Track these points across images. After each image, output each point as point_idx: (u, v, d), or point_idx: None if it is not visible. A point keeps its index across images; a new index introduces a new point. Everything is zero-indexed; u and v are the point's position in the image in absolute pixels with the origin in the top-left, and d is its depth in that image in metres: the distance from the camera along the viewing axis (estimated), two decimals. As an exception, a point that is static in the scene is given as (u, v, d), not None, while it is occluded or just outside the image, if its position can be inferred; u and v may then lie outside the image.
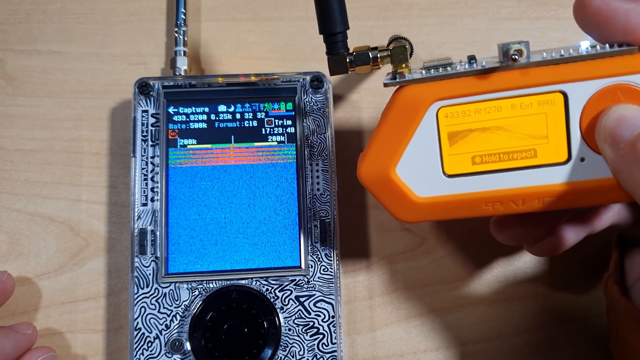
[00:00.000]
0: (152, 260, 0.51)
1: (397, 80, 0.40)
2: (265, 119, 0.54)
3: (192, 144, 0.53)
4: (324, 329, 0.51)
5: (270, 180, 0.53)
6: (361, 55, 0.44)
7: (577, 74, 0.38)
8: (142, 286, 0.51)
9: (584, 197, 0.40)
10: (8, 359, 0.48)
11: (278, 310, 0.51)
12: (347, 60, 0.44)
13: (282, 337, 0.51)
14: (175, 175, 0.52)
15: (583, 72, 0.38)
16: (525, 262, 0.56)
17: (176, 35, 0.56)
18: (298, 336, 0.51)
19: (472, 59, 0.40)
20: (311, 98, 0.54)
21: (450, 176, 0.41)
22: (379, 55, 0.44)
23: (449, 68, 0.40)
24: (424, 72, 0.40)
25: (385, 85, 0.41)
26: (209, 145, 0.53)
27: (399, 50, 0.43)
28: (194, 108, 0.53)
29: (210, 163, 0.53)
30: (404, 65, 0.43)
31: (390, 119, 0.40)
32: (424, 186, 0.41)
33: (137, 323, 0.50)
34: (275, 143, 0.53)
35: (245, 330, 0.50)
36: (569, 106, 0.39)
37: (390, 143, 0.40)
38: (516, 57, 0.38)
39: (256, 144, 0.53)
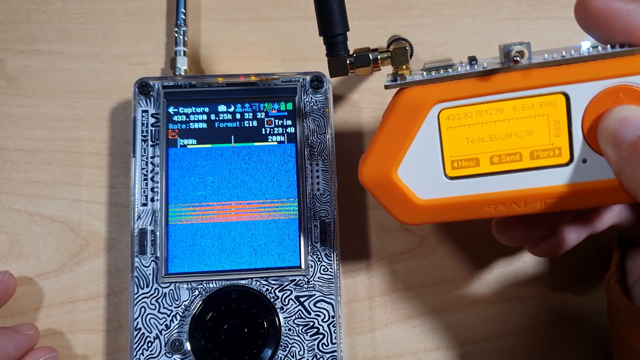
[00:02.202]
0: (152, 260, 0.51)
1: (398, 82, 0.40)
2: (265, 119, 0.54)
3: (192, 144, 0.53)
4: (324, 329, 0.51)
5: (270, 180, 0.53)
6: (361, 56, 0.44)
7: (579, 75, 0.38)
8: (142, 286, 0.51)
9: (586, 198, 0.40)
10: None
11: (278, 310, 0.51)
12: (347, 62, 0.44)
13: (282, 337, 0.51)
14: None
15: (585, 73, 0.38)
16: (525, 262, 0.56)
17: (176, 35, 0.56)
18: (298, 336, 0.51)
19: (472, 60, 0.40)
20: (311, 98, 0.54)
21: (452, 178, 0.41)
22: (379, 57, 0.44)
23: (450, 70, 0.40)
24: (424, 73, 0.40)
25: (386, 87, 0.41)
26: (208, 145, 0.53)
27: (399, 52, 0.43)
28: (194, 108, 0.53)
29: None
30: (404, 66, 0.43)
31: (392, 121, 0.40)
32: (426, 188, 0.41)
33: (137, 323, 0.50)
34: (275, 143, 0.53)
35: (245, 330, 0.50)
36: (571, 107, 0.39)
37: (392, 145, 0.40)
38: (518, 58, 0.38)
39: (256, 144, 0.53)
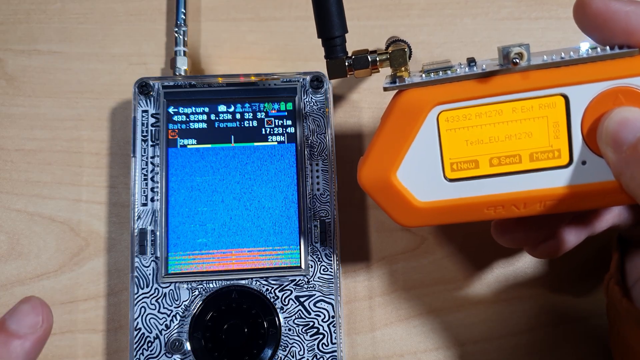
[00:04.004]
0: (152, 260, 0.51)
1: (397, 84, 0.40)
2: (265, 119, 0.54)
3: (192, 144, 0.53)
4: (324, 329, 0.51)
5: (270, 180, 0.53)
6: (360, 59, 0.44)
7: (578, 77, 0.38)
8: (142, 286, 0.51)
9: (585, 200, 0.40)
10: None
11: (278, 310, 0.51)
12: (346, 64, 0.44)
13: (282, 337, 0.51)
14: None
15: (584, 75, 0.38)
16: (525, 263, 0.56)
17: (176, 35, 0.56)
18: (298, 336, 0.51)
19: (471, 61, 0.40)
20: (311, 98, 0.54)
21: (451, 180, 0.41)
22: (378, 59, 0.44)
23: (449, 71, 0.40)
24: (423, 75, 0.40)
25: (385, 89, 0.41)
26: (208, 145, 0.53)
27: (398, 54, 0.43)
28: (194, 108, 0.53)
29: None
30: (403, 68, 0.43)
31: (391, 124, 0.40)
32: (425, 191, 0.41)
33: (137, 323, 0.50)
34: (275, 143, 0.53)
35: (245, 330, 0.50)
36: (570, 109, 0.39)
37: (391, 148, 0.40)
38: (517, 60, 0.38)
39: (256, 144, 0.53)
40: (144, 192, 0.52)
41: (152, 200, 0.52)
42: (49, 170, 0.56)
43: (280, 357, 0.50)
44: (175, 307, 0.51)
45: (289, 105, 0.54)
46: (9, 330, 0.39)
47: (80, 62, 0.58)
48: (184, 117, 0.53)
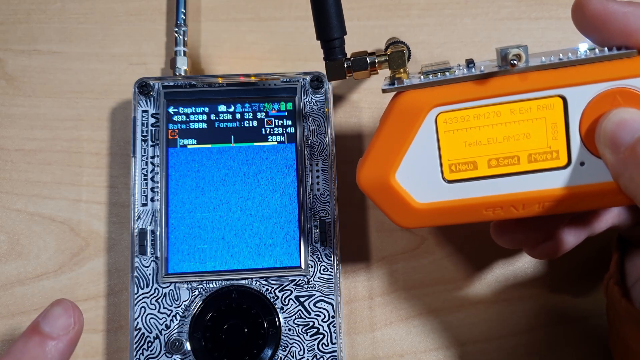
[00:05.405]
0: (152, 260, 0.51)
1: (396, 85, 0.40)
2: (265, 119, 0.54)
3: (192, 144, 0.53)
4: (324, 329, 0.51)
5: (270, 180, 0.53)
6: (359, 60, 0.44)
7: (576, 79, 0.38)
8: (142, 286, 0.51)
9: (584, 201, 0.40)
10: None
11: (278, 310, 0.51)
12: (345, 65, 0.44)
13: (282, 337, 0.51)
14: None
15: (582, 76, 0.38)
16: (525, 263, 0.56)
17: (176, 35, 0.56)
18: (298, 336, 0.51)
19: (470, 63, 0.40)
20: (311, 98, 0.54)
21: (450, 182, 0.41)
22: (376, 61, 0.44)
23: (447, 73, 0.40)
24: (422, 77, 0.40)
25: (384, 91, 0.41)
26: (208, 145, 0.53)
27: (396, 55, 0.42)
28: (194, 108, 0.53)
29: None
30: (401, 70, 0.42)
31: (389, 125, 0.40)
32: (424, 192, 0.41)
33: (137, 323, 0.50)
34: (275, 143, 0.53)
35: (245, 330, 0.50)
36: (568, 110, 0.39)
37: (390, 149, 0.40)
38: (515, 62, 0.38)
39: (256, 144, 0.53)
40: (144, 192, 0.52)
41: (152, 200, 0.52)
42: (49, 170, 0.56)
43: (280, 357, 0.50)
44: (175, 307, 0.51)
45: (289, 105, 0.54)
46: (43, 332, 0.41)
47: (80, 62, 0.58)
48: (184, 117, 0.53)
